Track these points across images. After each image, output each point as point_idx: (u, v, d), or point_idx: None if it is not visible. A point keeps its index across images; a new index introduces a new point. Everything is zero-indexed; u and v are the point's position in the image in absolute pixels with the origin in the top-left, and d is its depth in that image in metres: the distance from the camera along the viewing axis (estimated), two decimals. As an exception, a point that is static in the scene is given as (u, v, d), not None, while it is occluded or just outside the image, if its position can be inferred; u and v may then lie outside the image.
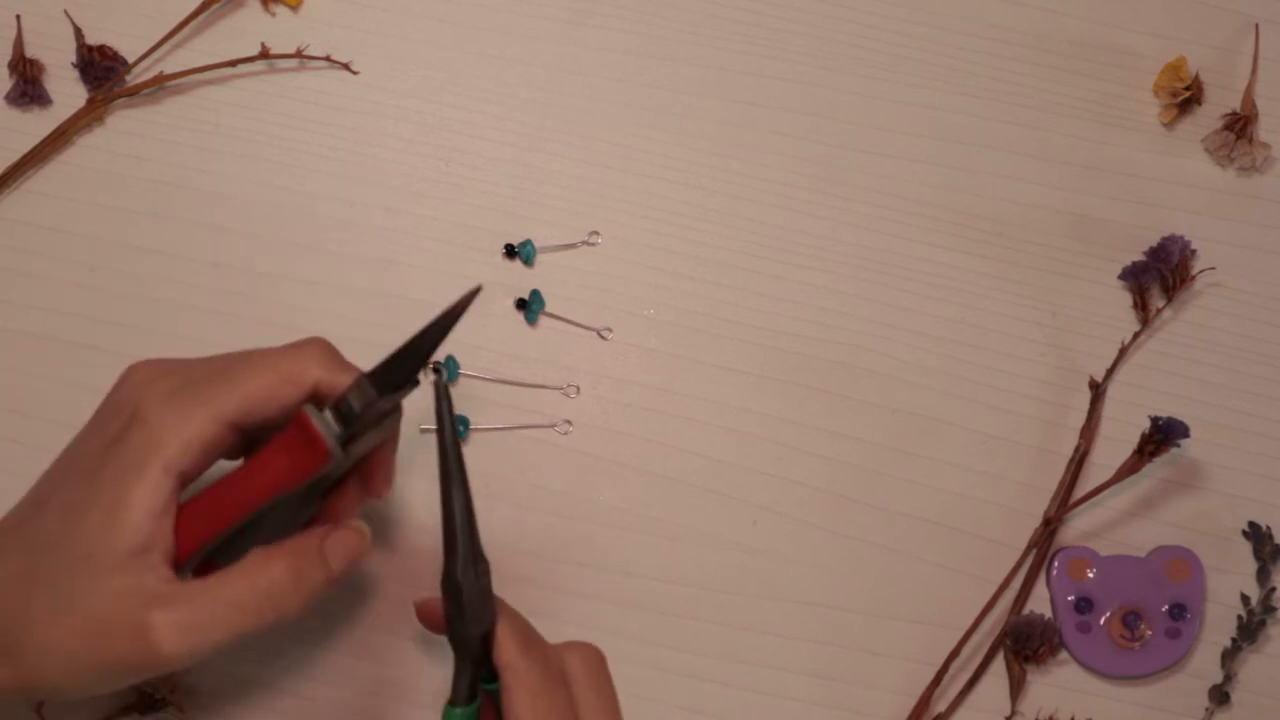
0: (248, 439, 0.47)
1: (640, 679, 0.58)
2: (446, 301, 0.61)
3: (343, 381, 0.46)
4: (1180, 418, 0.57)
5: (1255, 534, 0.60)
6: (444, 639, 0.47)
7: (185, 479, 0.45)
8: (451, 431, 0.47)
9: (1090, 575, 0.59)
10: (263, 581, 0.44)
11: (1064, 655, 0.59)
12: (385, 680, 0.57)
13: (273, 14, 0.64)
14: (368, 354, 0.60)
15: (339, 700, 0.57)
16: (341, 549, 0.47)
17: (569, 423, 0.60)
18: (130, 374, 0.47)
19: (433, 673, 0.57)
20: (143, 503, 0.43)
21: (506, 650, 0.46)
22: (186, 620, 0.43)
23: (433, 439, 0.51)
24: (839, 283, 0.62)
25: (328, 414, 0.46)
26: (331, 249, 0.62)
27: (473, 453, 0.60)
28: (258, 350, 0.47)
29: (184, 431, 0.44)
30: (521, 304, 0.61)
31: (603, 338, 0.61)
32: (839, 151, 0.64)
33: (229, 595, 0.44)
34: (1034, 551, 0.59)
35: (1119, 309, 0.63)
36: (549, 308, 0.61)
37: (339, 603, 0.58)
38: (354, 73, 0.64)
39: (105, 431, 0.45)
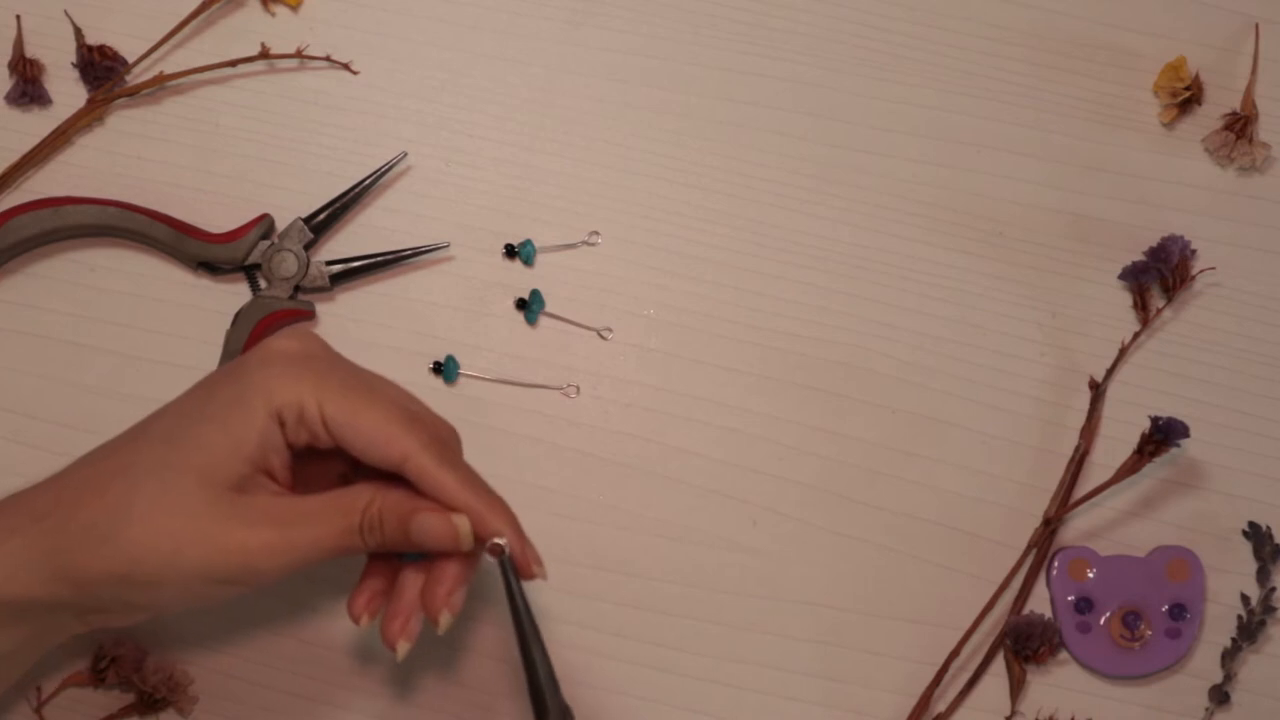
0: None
1: (640, 679, 0.58)
2: (449, 302, 0.61)
3: (433, 475, 0.46)
4: (1180, 418, 0.57)
5: (1255, 534, 0.60)
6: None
7: (287, 435, 0.46)
8: (522, 596, 0.48)
9: (1090, 575, 0.59)
10: (344, 522, 0.46)
11: (1064, 655, 0.59)
12: (386, 680, 0.57)
13: (273, 14, 0.64)
14: (369, 355, 0.60)
15: (339, 700, 0.57)
16: (428, 530, 0.47)
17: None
18: (282, 334, 0.48)
19: (433, 671, 0.57)
20: (256, 431, 0.45)
21: None
22: (280, 544, 0.45)
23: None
24: (839, 283, 0.62)
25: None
26: (331, 249, 0.62)
27: (472, 453, 0.60)
28: (392, 390, 0.48)
29: (289, 393, 0.46)
30: (521, 304, 0.61)
31: (603, 338, 0.61)
32: (839, 151, 0.64)
33: (318, 526, 0.46)
34: (1034, 551, 0.59)
35: (1119, 309, 0.63)
36: (549, 308, 0.61)
37: (339, 601, 0.58)
38: (354, 73, 0.64)
39: (238, 361, 0.48)
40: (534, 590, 0.58)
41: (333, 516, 0.46)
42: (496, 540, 0.47)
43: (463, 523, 0.47)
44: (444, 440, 0.48)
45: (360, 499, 0.47)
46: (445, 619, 0.47)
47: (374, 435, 0.46)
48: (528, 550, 0.48)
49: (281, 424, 0.46)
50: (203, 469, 0.45)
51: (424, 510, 0.46)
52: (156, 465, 0.45)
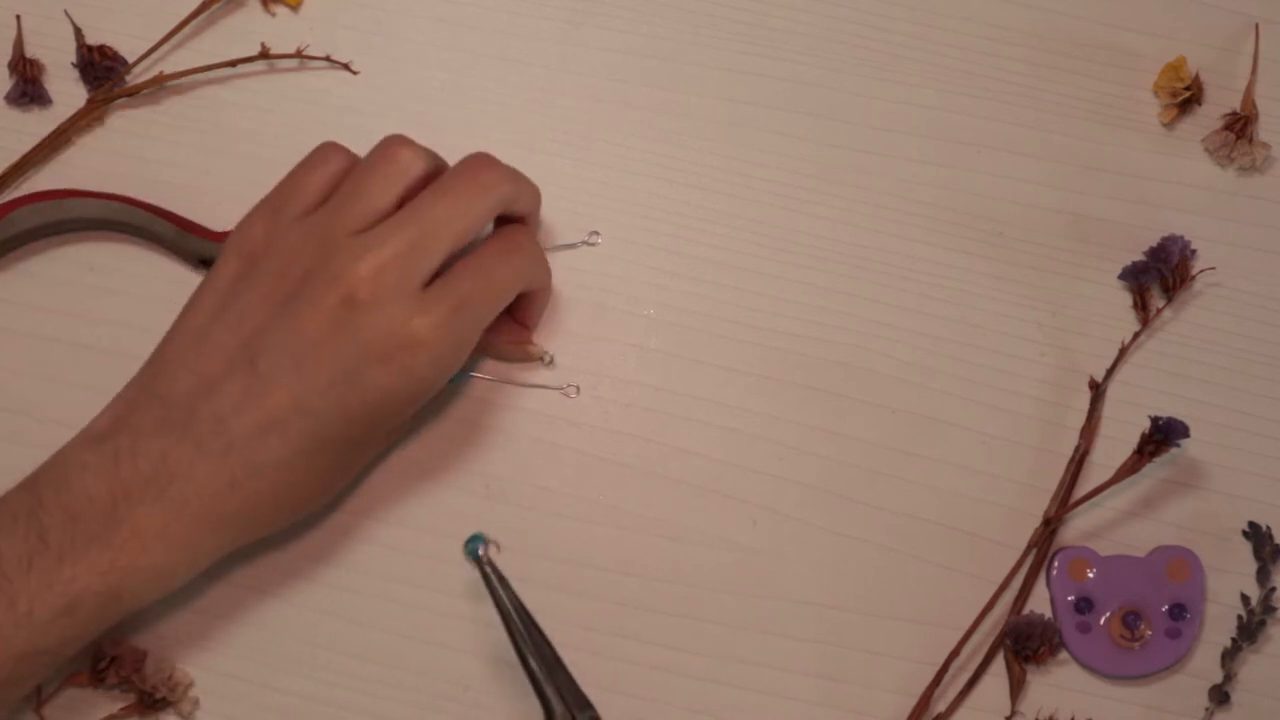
0: None
1: (640, 679, 0.58)
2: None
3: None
4: (1180, 418, 0.57)
5: (1255, 534, 0.60)
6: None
7: None
8: (510, 599, 0.50)
9: (1090, 575, 0.59)
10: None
11: (1064, 655, 0.59)
12: (387, 682, 0.57)
13: (273, 14, 0.64)
14: (368, 354, 0.60)
15: (339, 700, 0.57)
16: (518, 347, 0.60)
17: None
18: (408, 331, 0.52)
19: (434, 672, 0.57)
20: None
21: None
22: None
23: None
24: (839, 283, 0.62)
25: None
26: (331, 249, 0.62)
27: (473, 453, 0.60)
28: (481, 280, 0.54)
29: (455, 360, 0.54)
30: None
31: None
32: (839, 151, 0.64)
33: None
34: (1034, 551, 0.59)
35: (1119, 309, 0.63)
36: (548, 307, 0.61)
37: (339, 602, 0.58)
38: (354, 73, 0.64)
39: (383, 359, 0.52)
40: (532, 589, 0.58)
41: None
42: (480, 549, 0.49)
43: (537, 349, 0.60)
44: (525, 244, 0.56)
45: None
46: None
47: (502, 304, 0.54)
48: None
49: None
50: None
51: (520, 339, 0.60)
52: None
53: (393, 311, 0.50)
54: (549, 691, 0.49)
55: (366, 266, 0.50)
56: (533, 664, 0.49)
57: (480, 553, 0.50)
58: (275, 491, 0.51)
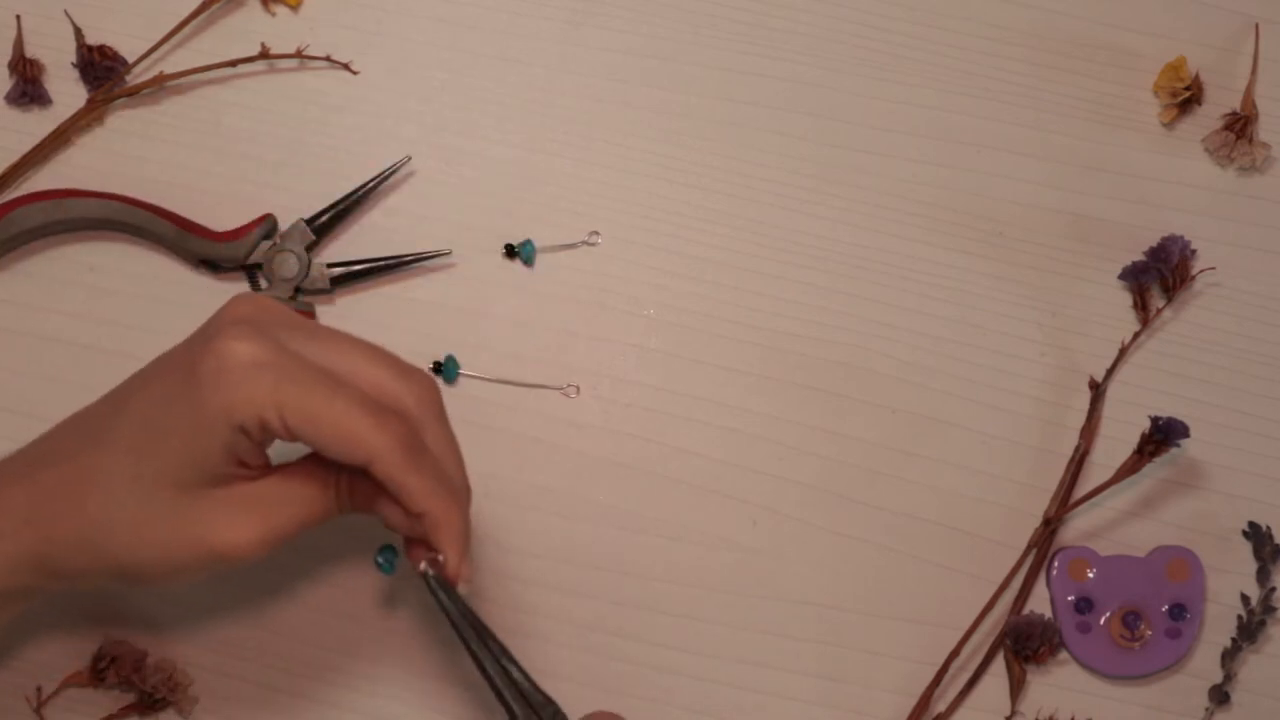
0: None
1: (640, 679, 0.58)
2: (448, 302, 0.61)
3: (398, 482, 0.45)
4: (1180, 418, 0.57)
5: (1255, 534, 0.60)
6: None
7: (252, 439, 0.45)
8: (455, 605, 0.48)
9: (1090, 575, 0.59)
10: (323, 500, 0.48)
11: (1064, 655, 0.59)
12: (385, 680, 0.57)
13: (273, 14, 0.64)
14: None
15: (339, 700, 0.57)
16: (391, 518, 0.48)
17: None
18: (231, 309, 0.47)
19: (432, 671, 0.57)
20: (220, 445, 0.44)
21: None
22: (265, 533, 0.46)
23: None
24: (839, 283, 0.62)
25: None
26: (331, 248, 0.62)
27: (472, 453, 0.60)
28: (362, 370, 0.47)
29: (248, 409, 0.44)
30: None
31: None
32: (839, 151, 0.64)
33: (296, 505, 0.47)
34: (1034, 551, 0.59)
35: (1119, 309, 0.63)
36: (547, 307, 0.61)
37: (339, 601, 0.58)
38: (354, 73, 0.64)
39: (189, 361, 0.45)
40: (533, 590, 0.58)
41: (311, 494, 0.47)
42: (421, 563, 0.47)
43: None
44: (411, 433, 0.46)
45: (332, 469, 0.47)
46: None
47: (335, 439, 0.44)
48: (462, 566, 0.47)
49: (246, 433, 0.44)
50: (176, 479, 0.45)
51: (388, 501, 0.47)
52: (129, 478, 0.45)
53: None
54: (508, 696, 0.48)
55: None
56: (489, 670, 0.48)
57: (422, 568, 0.47)
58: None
